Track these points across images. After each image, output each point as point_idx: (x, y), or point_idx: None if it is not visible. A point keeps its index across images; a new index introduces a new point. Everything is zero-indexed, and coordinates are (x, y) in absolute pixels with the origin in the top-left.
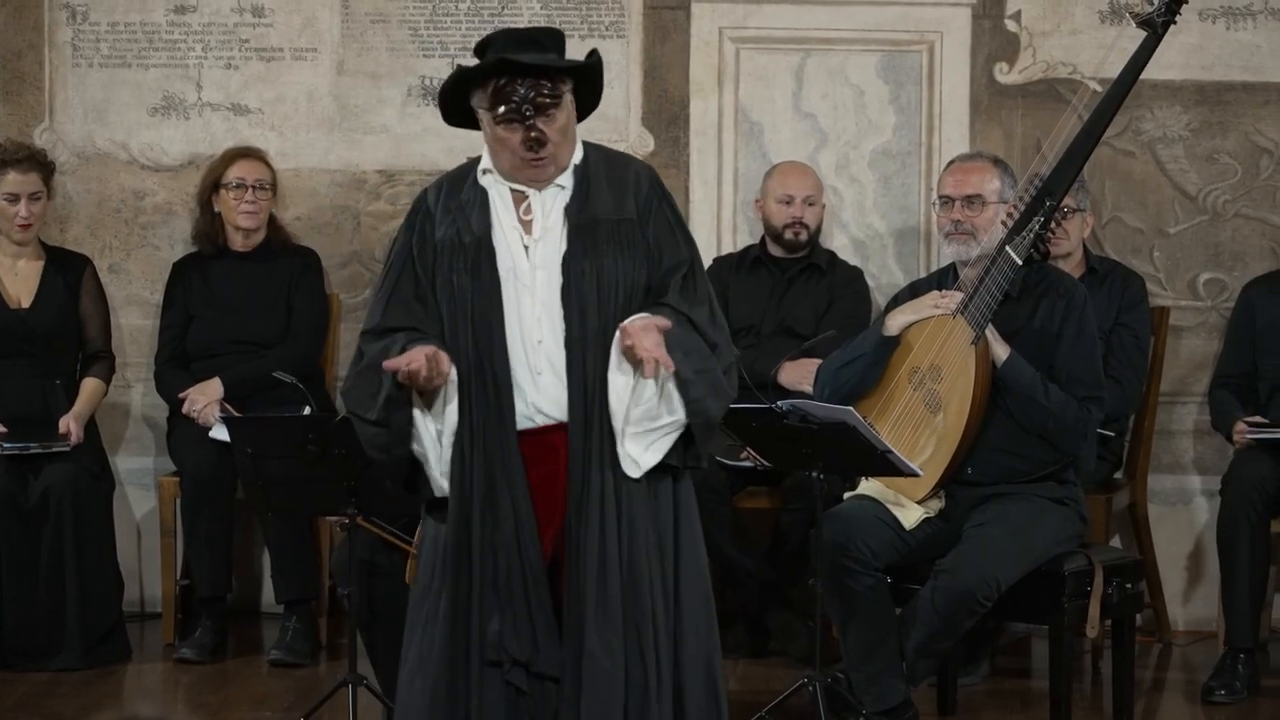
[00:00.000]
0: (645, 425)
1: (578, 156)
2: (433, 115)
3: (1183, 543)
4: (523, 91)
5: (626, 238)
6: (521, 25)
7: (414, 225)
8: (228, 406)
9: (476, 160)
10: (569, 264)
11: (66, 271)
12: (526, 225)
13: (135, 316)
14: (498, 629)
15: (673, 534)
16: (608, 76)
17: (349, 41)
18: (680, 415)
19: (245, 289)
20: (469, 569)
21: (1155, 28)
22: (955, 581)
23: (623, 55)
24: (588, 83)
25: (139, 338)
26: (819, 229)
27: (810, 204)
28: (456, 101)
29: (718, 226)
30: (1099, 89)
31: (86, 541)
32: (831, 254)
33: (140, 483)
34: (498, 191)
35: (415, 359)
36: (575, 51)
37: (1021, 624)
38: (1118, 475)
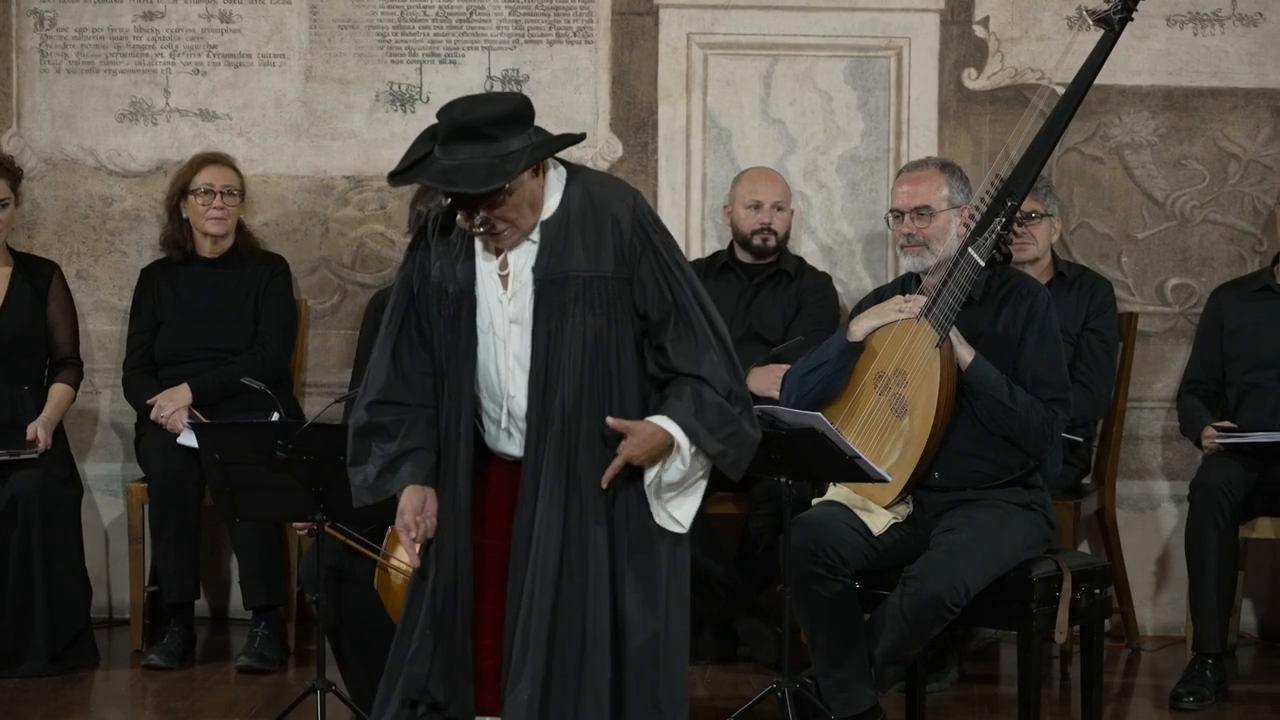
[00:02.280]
0: (679, 491)
1: (551, 207)
2: (401, 121)
3: (1151, 548)
4: (469, 207)
5: (599, 295)
6: (492, 32)
7: (415, 257)
8: (196, 413)
9: None
10: (535, 323)
11: (34, 278)
12: (504, 280)
13: (103, 323)
14: (426, 670)
15: (641, 581)
16: (576, 82)
17: (317, 47)
18: (706, 467)
19: (213, 295)
20: (424, 611)
21: (1112, 25)
22: (923, 587)
23: (591, 61)
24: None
25: (107, 344)
26: (787, 235)
27: (778, 210)
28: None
29: (686, 232)
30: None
31: (54, 548)
32: (800, 260)
33: (108, 489)
34: (481, 242)
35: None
36: (547, 57)
37: (990, 630)
38: (1086, 481)
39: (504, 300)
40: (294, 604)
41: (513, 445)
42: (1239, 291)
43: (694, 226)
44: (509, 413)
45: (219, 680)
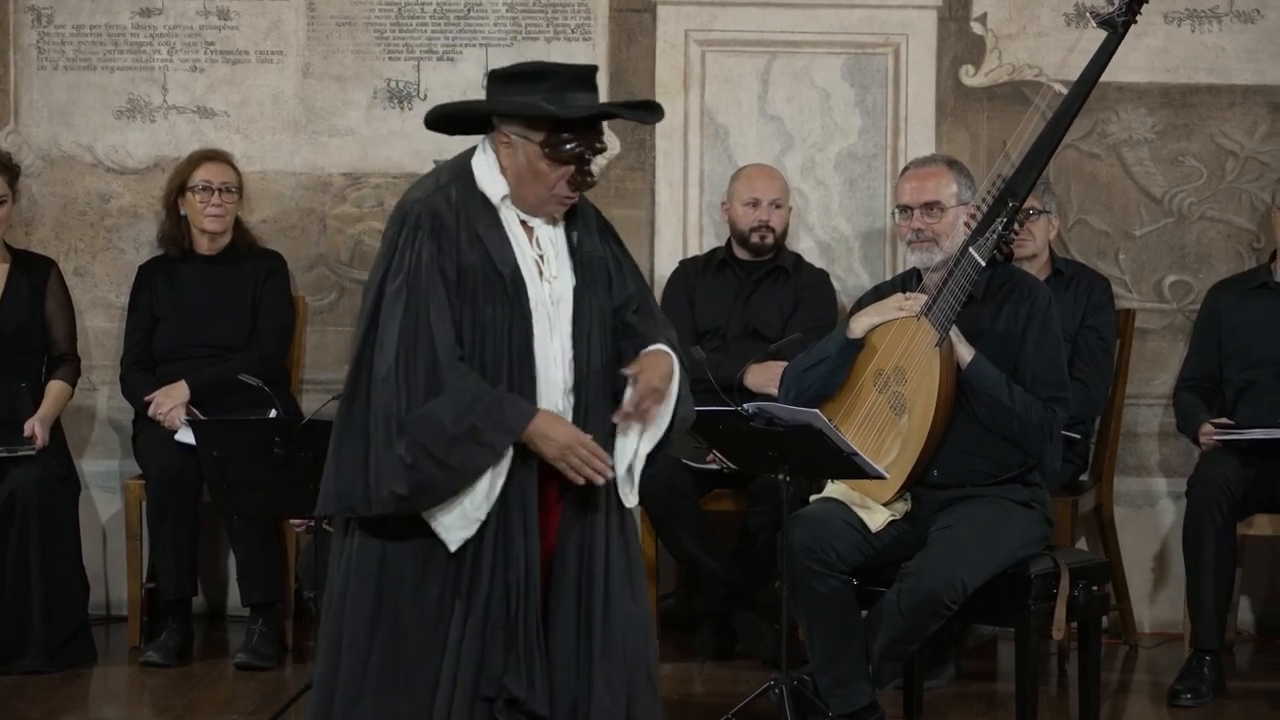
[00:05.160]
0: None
1: None
2: (398, 118)
3: (1148, 545)
4: (589, 137)
5: (606, 275)
6: (490, 29)
7: (438, 242)
8: (193, 410)
9: (460, 177)
10: (580, 299)
11: (32, 274)
12: (540, 259)
13: (101, 319)
14: (500, 665)
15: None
16: None
17: (314, 44)
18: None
19: (211, 292)
20: (478, 605)
21: (1116, 27)
22: (921, 584)
23: (588, 58)
24: None
25: (104, 341)
26: (785, 232)
27: (776, 207)
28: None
29: (684, 229)
30: (1063, 91)
31: (52, 545)
32: (797, 257)
33: (106, 486)
34: (512, 223)
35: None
36: (545, 54)
37: (987, 626)
38: (1083, 478)
39: (551, 279)
40: (291, 601)
41: None
42: (1237, 288)
43: (692, 223)
44: (563, 392)
45: (217, 677)
